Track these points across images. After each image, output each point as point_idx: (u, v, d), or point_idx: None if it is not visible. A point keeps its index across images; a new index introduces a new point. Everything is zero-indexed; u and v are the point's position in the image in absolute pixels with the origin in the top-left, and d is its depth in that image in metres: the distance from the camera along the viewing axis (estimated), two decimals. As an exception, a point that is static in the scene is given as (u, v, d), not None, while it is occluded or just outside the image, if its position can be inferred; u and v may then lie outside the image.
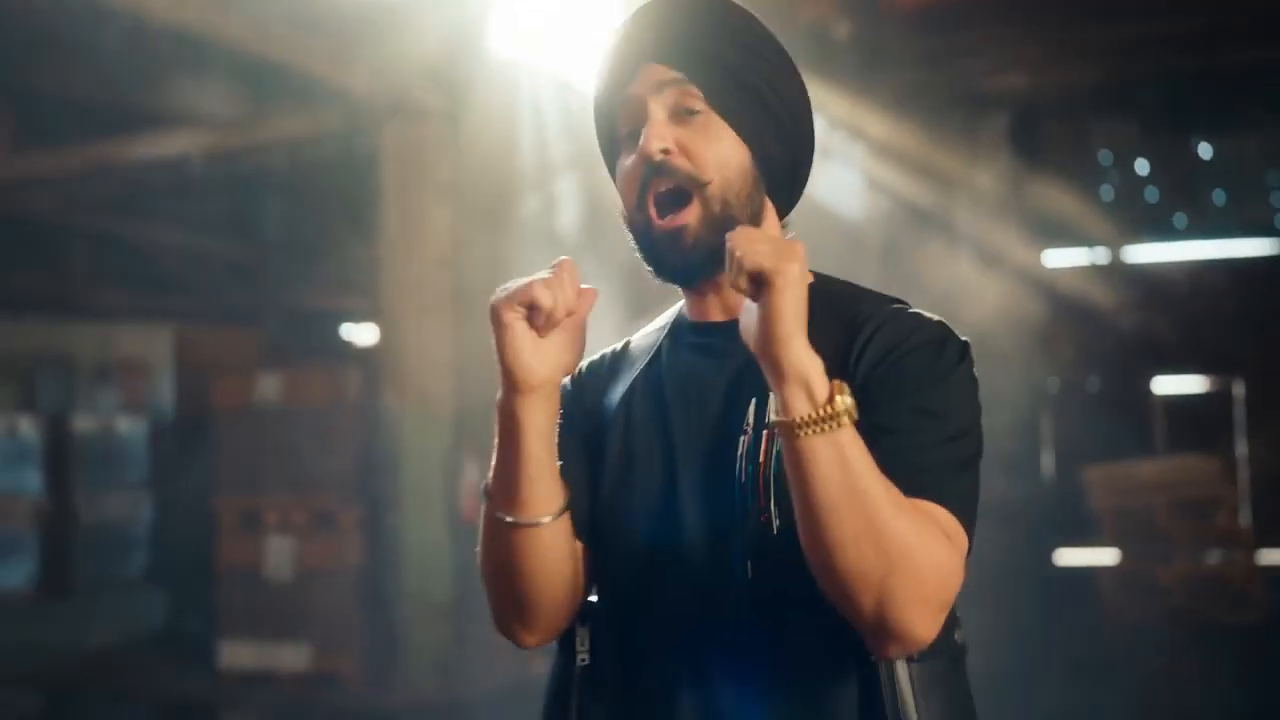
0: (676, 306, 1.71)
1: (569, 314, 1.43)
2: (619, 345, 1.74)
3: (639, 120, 1.53)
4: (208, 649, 8.76)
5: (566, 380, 1.61)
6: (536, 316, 1.41)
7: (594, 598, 1.63)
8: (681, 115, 1.52)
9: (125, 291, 14.46)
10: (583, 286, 1.46)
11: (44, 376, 15.68)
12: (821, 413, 1.31)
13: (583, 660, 1.61)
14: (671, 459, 1.52)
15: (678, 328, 1.63)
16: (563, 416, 1.54)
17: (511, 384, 1.42)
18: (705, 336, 1.58)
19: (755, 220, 1.55)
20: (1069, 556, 13.20)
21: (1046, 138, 15.69)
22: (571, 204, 8.62)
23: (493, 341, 1.45)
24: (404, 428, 7.97)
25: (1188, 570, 9.90)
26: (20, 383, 15.32)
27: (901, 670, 1.43)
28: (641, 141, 1.51)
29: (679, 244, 1.51)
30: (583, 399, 1.66)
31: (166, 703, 8.45)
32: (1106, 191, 15.76)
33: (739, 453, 1.47)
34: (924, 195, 15.30)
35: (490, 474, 1.50)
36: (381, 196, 8.08)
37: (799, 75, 1.67)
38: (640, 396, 1.59)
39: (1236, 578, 9.84)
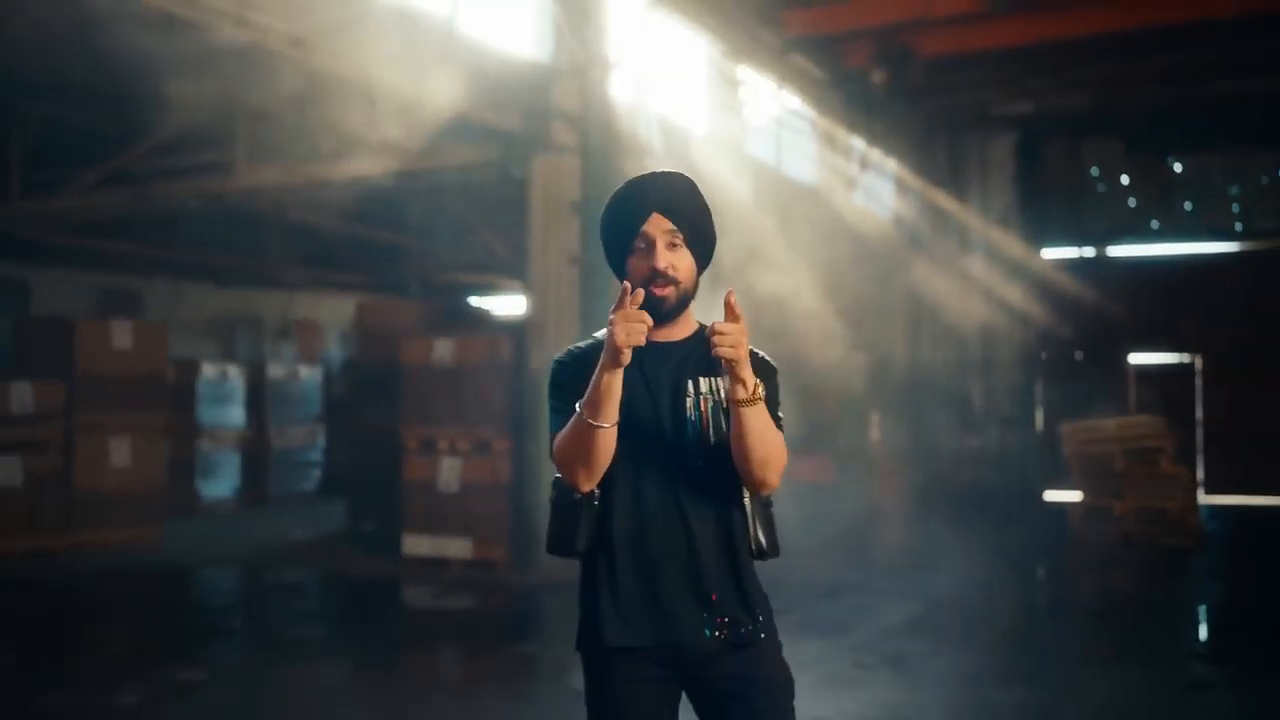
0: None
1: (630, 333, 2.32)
2: (592, 341, 2.60)
3: (649, 243, 2.46)
4: (386, 542, 9.99)
5: (565, 359, 2.58)
6: (622, 330, 2.30)
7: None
8: (671, 245, 2.47)
9: (304, 269, 15.66)
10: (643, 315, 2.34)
11: (241, 333, 16.95)
12: (753, 397, 2.34)
13: (594, 498, 2.49)
14: (655, 403, 2.50)
15: (651, 341, 2.38)
16: (574, 386, 2.46)
17: (616, 365, 2.33)
18: (660, 348, 2.49)
19: (692, 293, 2.51)
20: (1054, 495, 14.38)
21: (1046, 155, 16.76)
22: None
23: (611, 340, 2.30)
24: (542, 380, 9.23)
25: (1136, 504, 11.06)
26: (222, 338, 16.64)
27: (750, 501, 2.52)
28: (655, 259, 2.45)
29: (663, 306, 2.46)
30: (585, 373, 2.45)
31: (364, 579, 9.45)
32: (1095, 199, 16.60)
33: (688, 404, 2.50)
34: (943, 200, 16.46)
35: (585, 403, 2.36)
36: (529, 210, 9.38)
37: (708, 207, 2.55)
38: (635, 374, 2.46)
39: (1175, 510, 10.96)
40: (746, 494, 2.50)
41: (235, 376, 14.58)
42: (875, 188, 15.07)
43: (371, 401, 11.38)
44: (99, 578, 9.24)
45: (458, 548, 9.55)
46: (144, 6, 7.18)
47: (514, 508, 9.39)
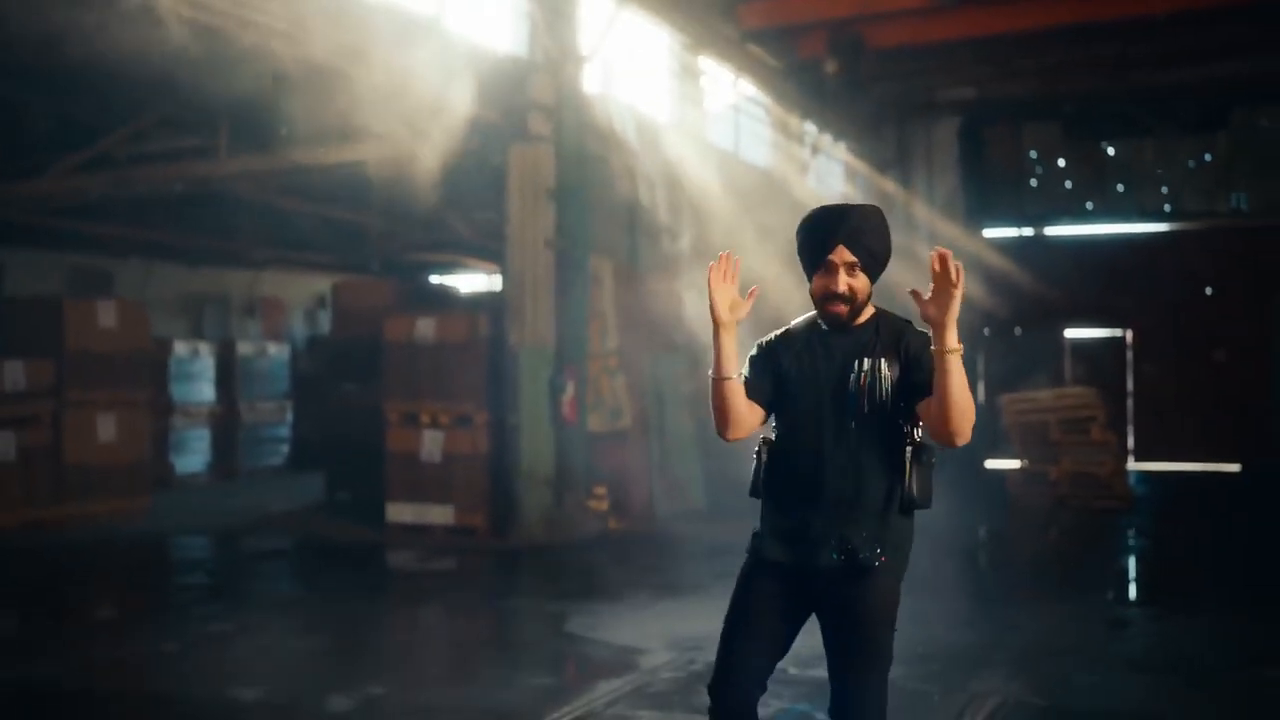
0: (811, 314, 3.13)
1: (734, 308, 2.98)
2: (786, 329, 3.17)
3: (833, 268, 2.98)
4: (366, 510, 10.53)
5: (763, 341, 3.16)
6: (725, 309, 2.97)
7: (771, 435, 3.15)
8: (851, 269, 2.99)
9: (270, 248, 15.98)
10: (748, 291, 3.04)
11: (209, 312, 17.32)
12: (957, 348, 2.79)
13: (763, 456, 3.10)
14: (818, 377, 3.06)
15: (818, 329, 3.09)
16: (762, 358, 3.12)
17: (719, 327, 2.97)
18: (827, 332, 3.08)
19: (866, 302, 3.05)
20: (993, 464, 15.19)
21: (988, 139, 17.60)
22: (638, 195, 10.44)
23: (708, 306, 2.96)
24: (520, 356, 9.86)
25: (1070, 469, 11.95)
26: (191, 317, 17.00)
27: (910, 453, 3.00)
28: (835, 284, 2.99)
29: (837, 320, 3.03)
30: (773, 350, 3.13)
31: (349, 545, 9.97)
32: (1034, 182, 17.46)
33: (853, 378, 3.00)
34: (890, 183, 17.25)
35: (713, 366, 3.00)
36: (507, 196, 9.97)
37: (889, 232, 3.08)
38: (805, 352, 3.08)
39: (1104, 475, 11.86)
40: (908, 450, 2.99)
41: (206, 354, 15.01)
42: (826, 172, 15.82)
43: (346, 377, 11.98)
44: (92, 546, 9.77)
45: (440, 515, 10.13)
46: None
47: (493, 477, 9.97)
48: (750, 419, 3.06)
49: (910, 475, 2.98)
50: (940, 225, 16.79)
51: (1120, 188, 17.18)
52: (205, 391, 14.99)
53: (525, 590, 8.30)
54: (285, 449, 16.05)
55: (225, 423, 15.20)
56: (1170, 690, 5.53)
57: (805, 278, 3.08)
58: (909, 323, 3.06)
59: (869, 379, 2.99)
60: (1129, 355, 17.25)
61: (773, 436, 3.12)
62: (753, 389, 3.07)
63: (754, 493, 3.13)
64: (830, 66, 13.05)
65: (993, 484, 13.56)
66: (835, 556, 2.96)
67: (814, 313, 3.10)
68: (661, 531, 10.31)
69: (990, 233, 17.67)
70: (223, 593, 8.15)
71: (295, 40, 8.63)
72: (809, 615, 3.08)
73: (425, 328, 10.34)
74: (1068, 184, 17.32)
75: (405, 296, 12.12)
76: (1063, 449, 11.92)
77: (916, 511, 3.04)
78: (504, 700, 5.25)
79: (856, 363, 3.01)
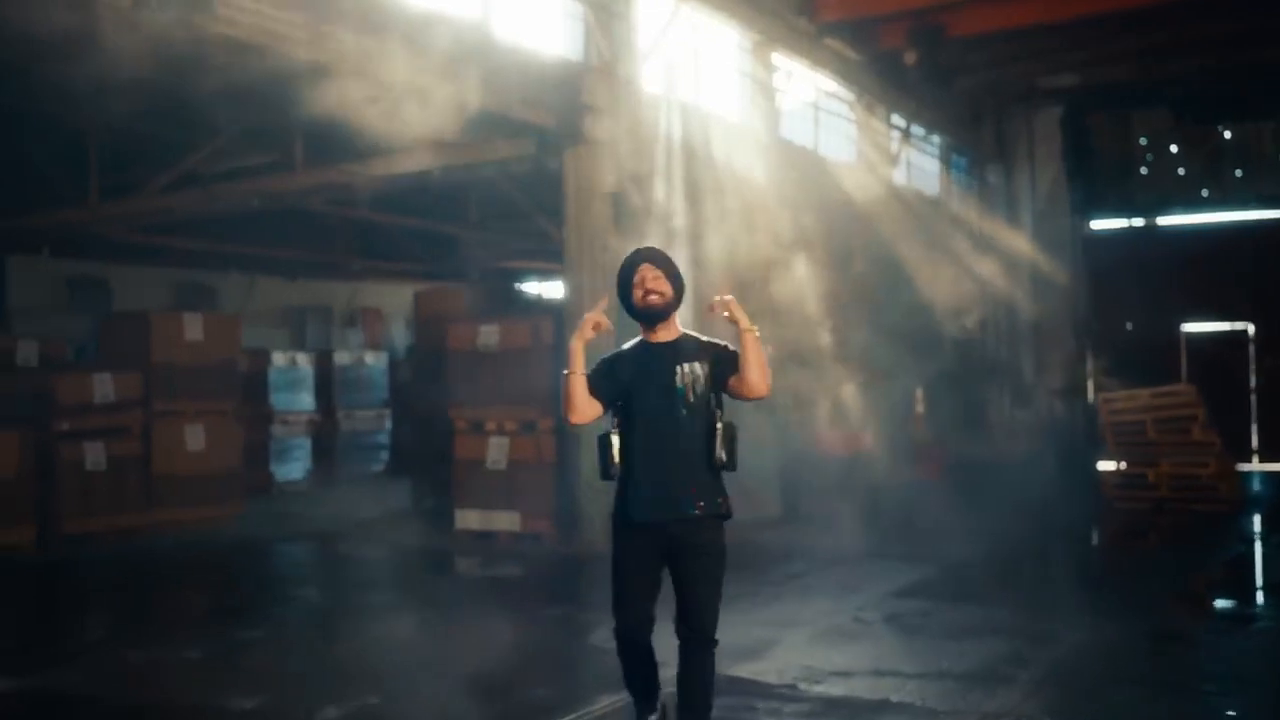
0: (637, 339, 4.23)
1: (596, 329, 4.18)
2: (619, 351, 4.26)
3: (644, 278, 4.15)
4: (443, 517, 10.65)
5: (606, 359, 4.26)
6: (589, 328, 4.19)
7: (615, 429, 4.21)
8: (657, 276, 4.15)
9: (368, 259, 16.40)
10: (604, 322, 4.20)
11: (311, 323, 17.80)
12: (753, 328, 4.00)
13: (614, 444, 4.16)
14: (656, 380, 4.14)
15: (645, 345, 4.22)
16: (604, 372, 4.20)
17: (581, 339, 4.15)
18: (654, 346, 4.18)
19: (675, 306, 4.20)
20: (1106, 466, 14.45)
21: (1093, 127, 16.82)
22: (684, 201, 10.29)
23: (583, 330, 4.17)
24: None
25: (1169, 471, 11.31)
26: (293, 328, 17.51)
27: (719, 429, 4.12)
28: (646, 282, 4.15)
29: (653, 309, 4.16)
30: (613, 366, 4.21)
31: (420, 551, 10.17)
32: (1143, 170, 16.63)
33: (676, 379, 4.11)
34: (992, 174, 16.68)
35: (568, 366, 4.13)
36: (565, 200, 9.93)
37: (678, 271, 4.22)
38: (639, 365, 4.17)
39: (1207, 477, 11.18)
40: (717, 426, 4.08)
41: (304, 364, 15.40)
42: (919, 165, 15.35)
43: (428, 384, 12.10)
44: (177, 553, 10.06)
45: (506, 521, 10.16)
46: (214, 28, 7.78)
47: (558, 483, 9.93)
48: (589, 410, 4.17)
49: (719, 444, 4.08)
50: (1045, 218, 16.15)
51: (1238, 173, 16.24)
52: (305, 401, 15.37)
53: (569, 599, 8.19)
54: (384, 456, 16.35)
55: (324, 431, 15.56)
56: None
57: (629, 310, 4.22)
58: (711, 338, 4.20)
59: (690, 377, 4.10)
60: (1251, 350, 16.25)
61: (618, 430, 4.16)
62: (594, 388, 4.16)
63: (604, 475, 4.20)
64: (910, 57, 12.65)
65: (1092, 489, 12.96)
66: (692, 510, 4.05)
67: (640, 338, 4.22)
68: (729, 539, 10.08)
69: (1098, 224, 16.90)
70: (265, 602, 8.22)
71: (351, 56, 8.73)
72: (667, 558, 4.11)
73: (489, 334, 10.36)
74: (1180, 171, 16.45)
75: (482, 302, 12.18)
76: (1161, 450, 11.31)
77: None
78: (488, 713, 5.16)
79: (678, 368, 4.11)
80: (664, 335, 4.16)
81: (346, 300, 18.09)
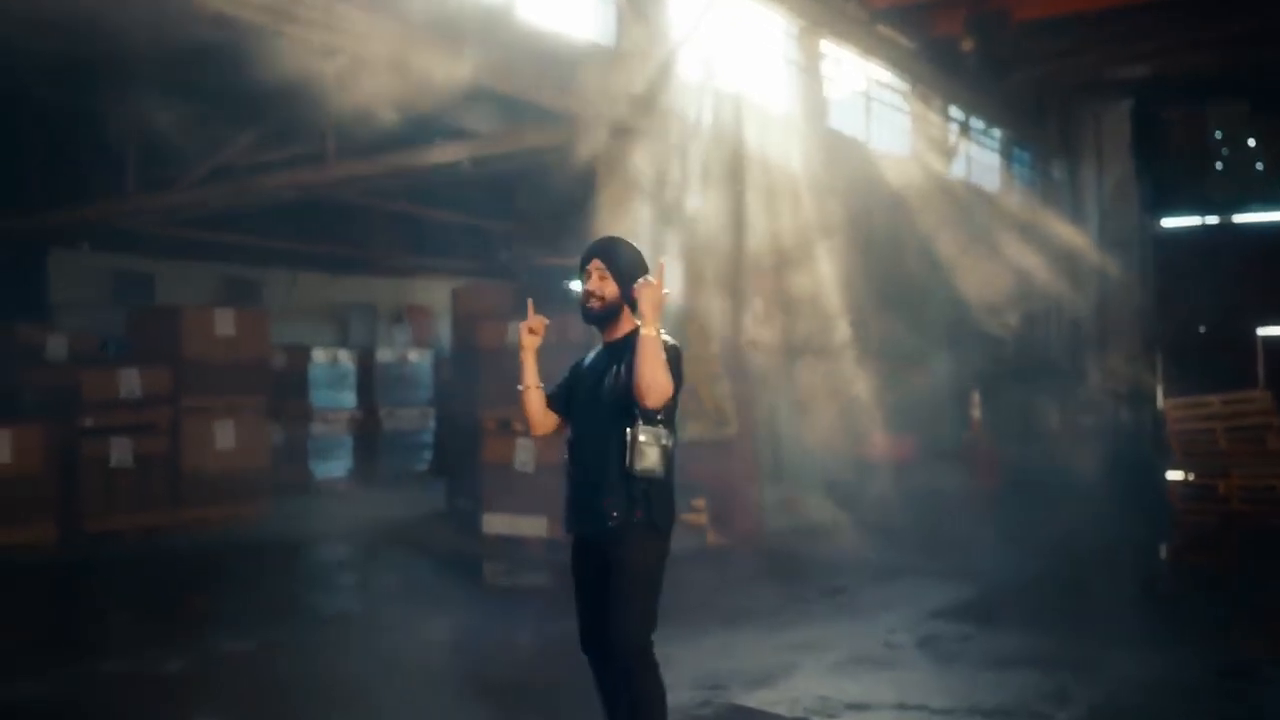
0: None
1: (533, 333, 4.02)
2: (588, 355, 4.03)
3: (588, 274, 3.87)
4: (477, 520, 10.16)
5: (579, 361, 4.04)
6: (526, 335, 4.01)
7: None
8: (601, 278, 3.84)
9: (414, 255, 16.13)
10: (538, 325, 4.02)
11: (355, 319, 17.53)
12: (652, 331, 3.56)
13: (566, 453, 3.92)
14: (591, 381, 3.89)
15: (602, 344, 3.96)
16: (567, 376, 4.04)
17: (521, 350, 4.02)
18: (605, 348, 3.91)
19: (619, 306, 3.86)
20: (1176, 475, 13.62)
21: (1166, 120, 15.95)
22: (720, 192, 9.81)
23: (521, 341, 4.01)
24: None
25: (1241, 483, 10.53)
26: (338, 324, 17.26)
27: (629, 434, 3.70)
28: (590, 284, 3.87)
29: (592, 311, 3.89)
30: (578, 367, 4.00)
31: (447, 554, 9.72)
32: (1218, 165, 15.78)
33: (607, 381, 3.79)
34: (1056, 170, 15.90)
35: (520, 379, 3.97)
36: (597, 191, 9.49)
37: (630, 249, 3.91)
38: (589, 364, 3.96)
39: (1284, 489, 10.37)
40: (627, 431, 3.69)
41: (346, 361, 15.10)
42: (979, 159, 14.66)
43: (465, 384, 11.73)
44: (197, 553, 9.75)
45: (532, 527, 9.72)
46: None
47: (587, 488, 9.48)
48: (546, 422, 4.03)
49: (631, 452, 3.69)
50: (1111, 216, 15.35)
51: (1320, 167, 15.29)
52: (346, 399, 15.07)
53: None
54: (427, 456, 16.00)
55: (366, 430, 15.24)
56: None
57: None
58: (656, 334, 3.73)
59: (616, 379, 3.77)
60: (1333, 355, 15.29)
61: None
62: (553, 399, 4.01)
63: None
64: (967, 44, 12.00)
65: (1159, 500, 12.17)
66: (606, 523, 3.71)
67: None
68: (766, 548, 9.56)
69: (1168, 222, 16.04)
70: (267, 609, 7.78)
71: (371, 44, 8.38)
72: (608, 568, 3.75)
73: (515, 332, 9.90)
74: (1258, 166, 15.55)
75: (520, 299, 11.80)
76: (1232, 460, 10.55)
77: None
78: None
79: (614, 368, 3.80)
80: (612, 334, 3.91)
81: (393, 297, 17.82)
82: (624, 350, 3.75)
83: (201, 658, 6.21)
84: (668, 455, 3.74)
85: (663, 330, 3.68)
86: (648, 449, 3.69)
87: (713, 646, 6.19)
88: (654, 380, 3.59)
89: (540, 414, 3.96)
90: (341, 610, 7.93)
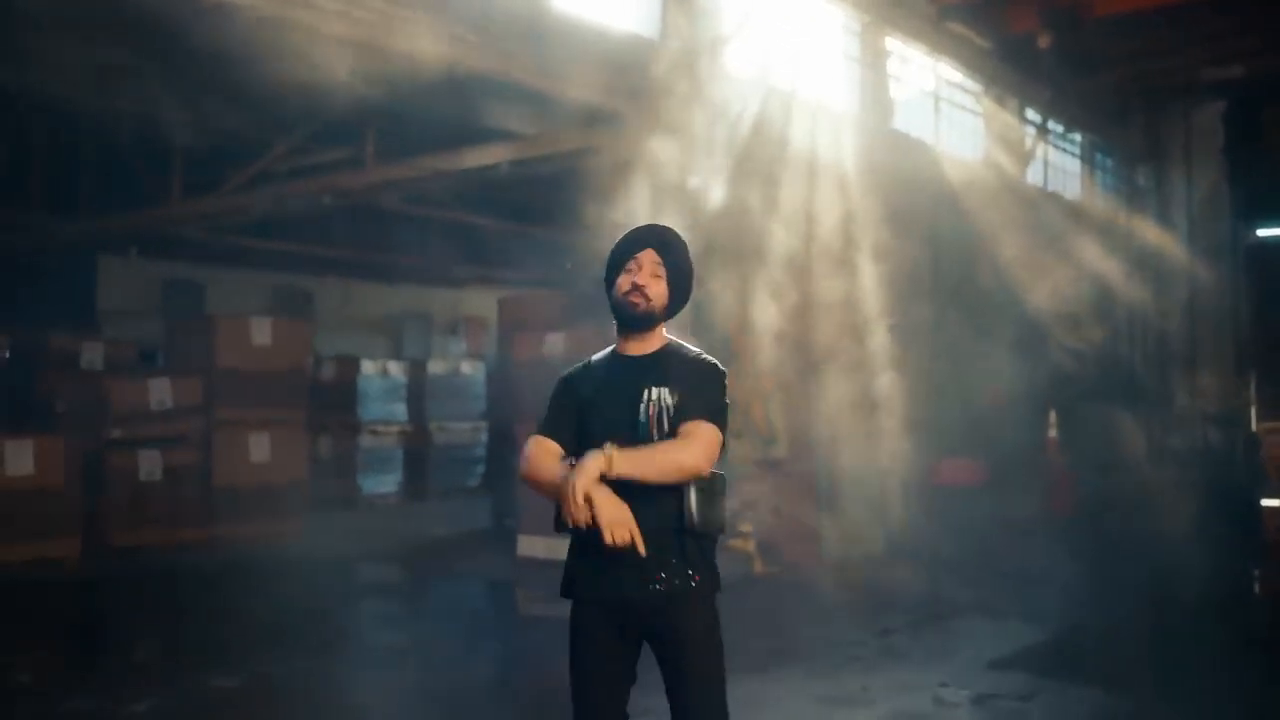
0: (609, 349, 3.16)
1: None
2: (587, 361, 3.19)
3: (639, 266, 3.06)
4: (515, 541, 9.60)
5: (566, 374, 3.18)
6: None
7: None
8: (657, 271, 3.05)
9: (471, 264, 15.68)
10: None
11: (410, 330, 17.12)
12: (608, 468, 2.83)
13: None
14: (617, 403, 3.03)
15: (616, 356, 3.12)
16: (563, 394, 3.13)
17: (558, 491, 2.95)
18: (624, 361, 3.09)
19: (663, 313, 3.06)
20: (1273, 503, 12.58)
21: (1262, 123, 14.82)
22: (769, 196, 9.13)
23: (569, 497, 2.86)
24: None
25: (1347, 516, 9.52)
26: (392, 335, 16.86)
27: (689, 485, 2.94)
28: (638, 276, 3.04)
29: (632, 311, 3.04)
30: (573, 386, 3.14)
31: (479, 579, 9.32)
32: (1321, 170, 14.64)
33: (642, 406, 2.99)
34: (1142, 176, 14.89)
35: (557, 480, 2.94)
36: (637, 194, 8.85)
37: (688, 254, 3.12)
38: (602, 382, 3.09)
39: (1397, 524, 9.35)
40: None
41: (397, 373, 14.65)
42: (1058, 164, 13.73)
43: (510, 396, 11.21)
44: (223, 571, 9.28)
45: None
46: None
47: (626, 510, 8.87)
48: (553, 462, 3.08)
49: (690, 501, 2.95)
50: (1202, 225, 14.30)
51: None
52: (397, 411, 14.63)
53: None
54: (480, 470, 15.48)
55: (416, 443, 14.77)
56: None
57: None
58: (699, 354, 3.09)
59: (656, 408, 2.99)
60: None
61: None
62: (556, 435, 3.10)
63: (558, 527, 2.99)
64: (1044, 41, 11.14)
65: (1251, 530, 11.13)
66: (651, 587, 2.94)
67: (612, 347, 3.15)
68: (818, 579, 8.78)
69: (1264, 231, 14.92)
70: (279, 633, 7.26)
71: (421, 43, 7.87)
72: (640, 643, 3.06)
73: (554, 344, 9.39)
74: (1365, 171, 14.36)
75: (567, 310, 11.24)
76: (1336, 490, 9.53)
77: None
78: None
79: (646, 392, 3.01)
80: (639, 347, 3.07)
81: (450, 307, 17.37)
82: (655, 369, 3.01)
83: (182, 693, 5.66)
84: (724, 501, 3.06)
85: (702, 352, 3.07)
86: (717, 499, 2.99)
87: (741, 698, 5.44)
88: (666, 473, 2.89)
89: (553, 463, 3.05)
90: (348, 635, 7.36)
